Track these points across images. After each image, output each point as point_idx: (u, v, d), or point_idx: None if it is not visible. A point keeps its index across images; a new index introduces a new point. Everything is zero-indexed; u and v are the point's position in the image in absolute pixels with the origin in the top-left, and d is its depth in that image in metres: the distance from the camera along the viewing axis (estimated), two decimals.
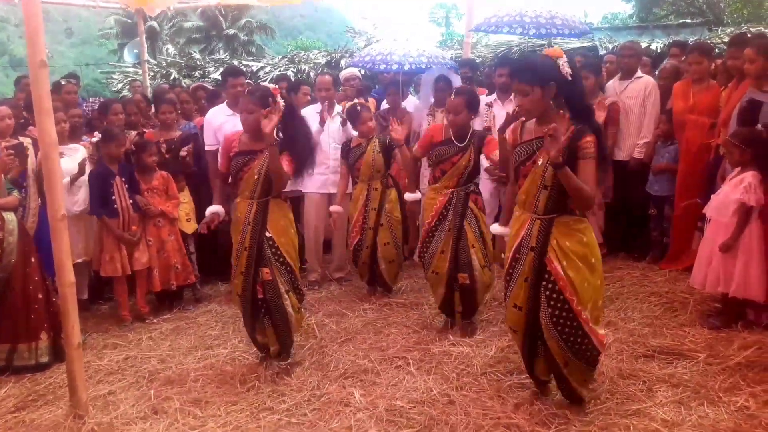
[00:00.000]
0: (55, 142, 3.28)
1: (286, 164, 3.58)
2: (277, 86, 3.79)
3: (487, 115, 5.61)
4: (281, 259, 3.69)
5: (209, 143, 5.34)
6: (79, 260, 4.77)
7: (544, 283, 2.96)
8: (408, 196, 4.62)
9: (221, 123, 5.15)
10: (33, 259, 4.12)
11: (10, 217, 4.04)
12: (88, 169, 4.80)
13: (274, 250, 3.67)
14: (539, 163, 2.89)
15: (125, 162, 4.92)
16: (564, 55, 2.86)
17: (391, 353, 3.96)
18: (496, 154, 4.00)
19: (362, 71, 7.19)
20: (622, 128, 5.54)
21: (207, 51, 20.98)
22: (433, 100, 5.83)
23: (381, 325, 4.48)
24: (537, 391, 3.31)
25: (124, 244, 4.73)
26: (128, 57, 19.18)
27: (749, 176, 3.94)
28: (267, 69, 10.16)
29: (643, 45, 7.56)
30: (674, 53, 6.32)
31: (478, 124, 5.69)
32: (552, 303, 2.93)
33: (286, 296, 3.69)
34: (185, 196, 5.29)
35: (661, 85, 5.55)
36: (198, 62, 11.50)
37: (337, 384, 3.58)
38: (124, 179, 4.76)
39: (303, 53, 11.38)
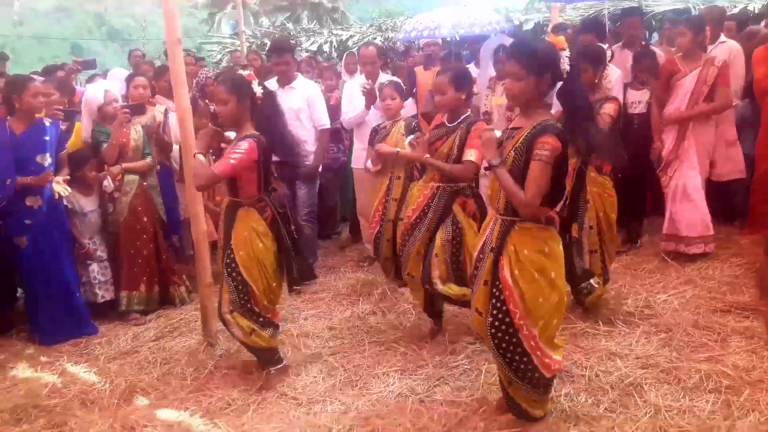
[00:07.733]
0: (188, 110, 3.84)
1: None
2: (251, 72, 3.34)
3: None
4: (233, 274, 3.27)
5: None
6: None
7: (493, 289, 2.67)
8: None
9: None
10: (145, 218, 4.50)
11: (131, 178, 4.44)
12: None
13: (228, 261, 3.29)
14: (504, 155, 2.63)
15: None
16: (567, 49, 2.57)
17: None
18: (472, 153, 3.41)
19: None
20: None
21: (292, 19, 21.46)
22: (494, 72, 5.10)
23: None
24: None
25: (208, 214, 4.59)
26: (225, 28, 20.18)
27: None
28: (356, 38, 10.50)
29: (740, 6, 7.32)
30: None
31: None
32: (494, 312, 2.64)
33: (229, 316, 3.32)
34: None
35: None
36: (291, 33, 12.02)
37: (383, 347, 3.80)
38: (211, 150, 5.06)
39: (390, 20, 11.58)
